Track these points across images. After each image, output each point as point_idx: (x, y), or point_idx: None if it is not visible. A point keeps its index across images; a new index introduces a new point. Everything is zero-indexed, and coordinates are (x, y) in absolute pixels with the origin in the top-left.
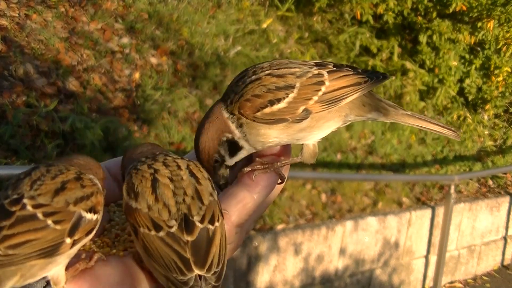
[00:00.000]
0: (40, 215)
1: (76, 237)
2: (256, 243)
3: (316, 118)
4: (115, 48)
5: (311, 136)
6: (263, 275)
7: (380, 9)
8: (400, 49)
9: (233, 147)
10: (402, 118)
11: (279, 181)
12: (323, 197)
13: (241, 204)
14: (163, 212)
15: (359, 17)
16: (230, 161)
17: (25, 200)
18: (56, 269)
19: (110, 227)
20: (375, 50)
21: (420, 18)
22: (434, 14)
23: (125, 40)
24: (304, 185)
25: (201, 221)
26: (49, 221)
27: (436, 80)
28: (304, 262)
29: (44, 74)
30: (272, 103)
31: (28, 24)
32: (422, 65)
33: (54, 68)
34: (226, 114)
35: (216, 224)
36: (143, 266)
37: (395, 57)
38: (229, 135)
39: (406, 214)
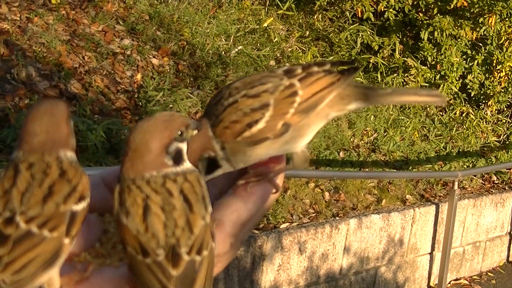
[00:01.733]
0: (35, 229)
1: (73, 233)
2: (260, 243)
3: (298, 128)
4: (116, 50)
5: (297, 145)
6: (267, 274)
7: (381, 6)
8: (402, 46)
9: (212, 165)
10: (383, 99)
11: (274, 190)
12: (327, 195)
13: (235, 215)
14: (152, 240)
15: (360, 14)
16: (205, 178)
17: (17, 218)
18: (52, 273)
19: (105, 238)
20: (376, 48)
21: (421, 14)
22: (435, 11)
23: (127, 41)
24: (307, 183)
25: (189, 253)
26: (45, 232)
27: (438, 76)
28: (309, 260)
29: (46, 76)
30: (250, 125)
31: (30, 27)
32: (424, 62)
33: (56, 71)
34: (210, 133)
35: (204, 253)
36: None
37: (397, 54)
38: (212, 154)
39: (410, 211)
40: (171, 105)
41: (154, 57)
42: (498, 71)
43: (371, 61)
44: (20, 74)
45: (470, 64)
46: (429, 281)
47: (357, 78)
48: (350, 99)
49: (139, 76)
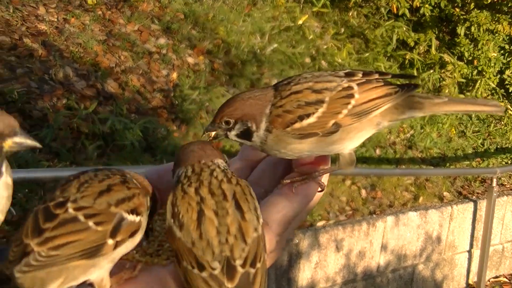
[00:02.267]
0: (81, 217)
1: (118, 238)
2: (297, 240)
3: (347, 131)
4: (152, 49)
5: (343, 147)
6: (304, 272)
7: (417, 2)
8: (438, 41)
9: (246, 134)
10: (439, 108)
11: (319, 189)
12: (363, 192)
13: (281, 214)
14: (207, 251)
15: (395, 10)
16: (231, 136)
17: (68, 204)
18: (99, 272)
19: (153, 237)
20: (412, 44)
21: (457, 9)
22: (472, 5)
23: (162, 40)
24: (344, 181)
25: (243, 265)
26: (90, 223)
27: (475, 72)
28: (346, 258)
29: (83, 76)
30: (301, 118)
31: (67, 28)
32: (460, 57)
33: (93, 71)
34: (267, 109)
35: (258, 265)
36: None
37: (433, 50)
38: (254, 127)
39: (448, 208)
40: (207, 104)
41: (189, 55)
42: None
43: (407, 57)
44: (58, 75)
45: (508, 59)
46: (467, 279)
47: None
48: (404, 109)
49: (175, 75)
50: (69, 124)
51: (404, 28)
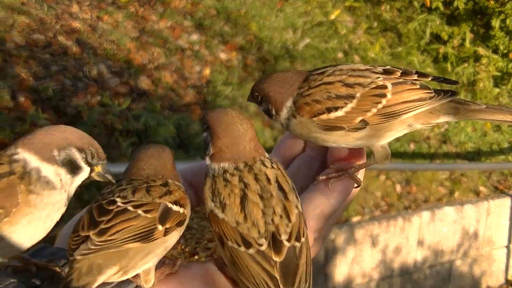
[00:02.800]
0: (131, 208)
1: (167, 225)
2: (333, 236)
3: (376, 129)
4: (184, 46)
5: (371, 143)
6: (340, 267)
7: None
8: (472, 35)
9: (269, 113)
10: (475, 115)
11: (355, 185)
12: (398, 187)
13: (318, 210)
14: (252, 229)
15: (428, 4)
16: (260, 108)
17: (117, 199)
18: (151, 262)
19: (190, 234)
20: (446, 37)
21: (492, 2)
22: None
23: (194, 37)
24: (378, 176)
25: (288, 240)
26: (140, 211)
27: (510, 65)
28: (382, 254)
29: (116, 73)
30: (329, 110)
31: (100, 25)
32: (495, 51)
33: (126, 68)
34: (292, 96)
35: (302, 239)
36: (225, 271)
37: (467, 44)
38: (273, 111)
39: (484, 203)
40: (240, 99)
41: (222, 51)
42: None
43: (440, 51)
44: (92, 72)
45: None
46: (506, 274)
47: (427, 69)
48: (440, 114)
49: (207, 71)
50: (103, 121)
51: (438, 22)
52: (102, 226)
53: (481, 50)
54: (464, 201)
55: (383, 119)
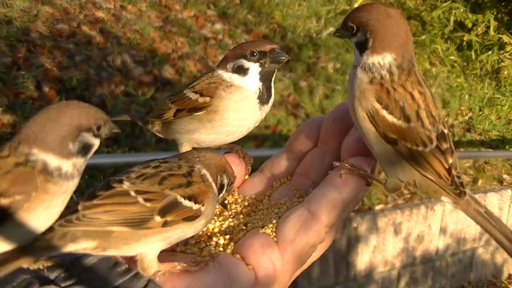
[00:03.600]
0: (132, 193)
1: (168, 218)
2: (355, 224)
3: (405, 156)
4: (208, 35)
5: (394, 169)
6: (362, 255)
7: None
8: (496, 22)
9: (362, 46)
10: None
11: (366, 183)
12: None
13: (331, 204)
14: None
15: None
16: (352, 41)
17: (125, 181)
18: (144, 249)
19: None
20: (470, 25)
21: None
22: None
23: (218, 26)
24: None
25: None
26: (140, 198)
27: None
28: (404, 242)
29: (140, 63)
30: (406, 117)
31: (124, 15)
32: None
33: (150, 57)
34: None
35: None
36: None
37: (491, 31)
38: (370, 42)
39: (508, 191)
40: None
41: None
42: None
43: (464, 39)
44: (116, 61)
45: None
46: None
47: (451, 57)
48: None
49: None
50: (127, 110)
51: (462, 9)
52: (96, 201)
53: (506, 38)
54: (488, 189)
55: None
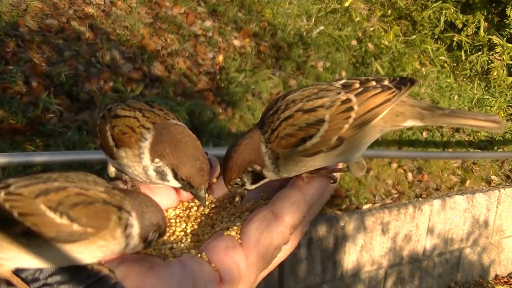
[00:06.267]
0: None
1: None
2: (343, 223)
3: (351, 141)
4: (198, 32)
5: (352, 156)
6: (350, 255)
7: None
8: (487, 23)
9: (257, 176)
10: (439, 120)
11: (331, 181)
12: (409, 176)
13: (295, 206)
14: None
15: None
16: (250, 187)
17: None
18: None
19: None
20: (460, 26)
21: None
22: None
23: (208, 23)
24: (390, 164)
25: None
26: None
27: None
28: (392, 241)
29: (129, 59)
30: (304, 140)
31: (113, 11)
32: (510, 39)
33: (139, 54)
34: (263, 147)
35: None
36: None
37: (481, 32)
38: (258, 167)
39: (495, 192)
40: (253, 86)
41: (235, 38)
42: None
43: (455, 39)
44: (105, 57)
45: None
46: None
47: (441, 58)
48: (405, 117)
49: (221, 58)
50: None
51: (452, 10)
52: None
53: (496, 39)
54: (476, 189)
55: (357, 130)
